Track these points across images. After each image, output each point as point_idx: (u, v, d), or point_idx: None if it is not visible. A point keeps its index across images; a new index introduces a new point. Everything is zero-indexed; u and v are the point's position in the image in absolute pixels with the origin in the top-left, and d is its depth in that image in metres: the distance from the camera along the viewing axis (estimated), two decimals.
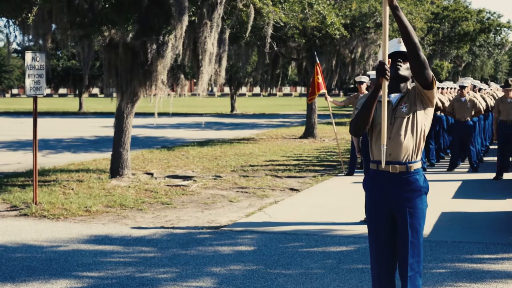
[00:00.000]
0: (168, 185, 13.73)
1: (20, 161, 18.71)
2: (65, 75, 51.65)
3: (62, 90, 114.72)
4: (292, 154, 20.11)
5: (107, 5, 11.64)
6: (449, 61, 40.27)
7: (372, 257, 5.08)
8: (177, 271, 7.51)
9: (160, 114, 46.92)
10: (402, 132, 4.89)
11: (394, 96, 5.02)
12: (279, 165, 17.39)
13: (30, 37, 13.02)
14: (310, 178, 14.84)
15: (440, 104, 16.78)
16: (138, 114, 34.12)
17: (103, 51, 13.06)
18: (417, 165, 4.96)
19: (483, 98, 18.11)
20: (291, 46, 22.35)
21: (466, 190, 13.11)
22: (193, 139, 26.31)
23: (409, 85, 5.07)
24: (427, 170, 16.17)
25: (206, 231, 9.59)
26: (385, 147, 4.78)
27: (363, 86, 13.71)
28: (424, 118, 4.95)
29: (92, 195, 12.40)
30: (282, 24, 14.21)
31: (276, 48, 18.75)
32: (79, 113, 52.56)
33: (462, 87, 16.11)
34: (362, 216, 10.01)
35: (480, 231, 9.44)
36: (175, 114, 49.10)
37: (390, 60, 4.83)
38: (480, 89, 19.59)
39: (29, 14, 10.68)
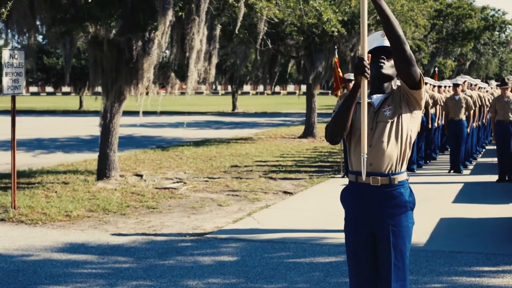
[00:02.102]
0: (156, 188, 13.18)
1: (9, 161, 18.12)
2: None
3: (66, 89, 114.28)
4: (289, 155, 19.54)
5: (90, 0, 11.08)
6: (453, 59, 39.62)
7: (350, 280, 4.47)
8: (150, 284, 6.95)
9: (160, 113, 46.48)
10: (385, 139, 4.27)
11: (377, 97, 4.41)
12: (275, 166, 16.82)
13: (14, 33, 12.47)
14: (306, 180, 14.28)
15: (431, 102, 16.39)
16: (135, 113, 33.72)
17: (88, 48, 12.51)
18: (402, 177, 4.34)
19: (480, 97, 17.58)
20: (289, 43, 21.77)
21: (468, 194, 12.53)
22: (190, 139, 25.77)
23: (394, 84, 4.46)
24: (418, 172, 15.61)
25: (189, 238, 9.03)
26: (365, 156, 4.15)
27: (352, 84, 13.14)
28: (411, 123, 4.34)
29: (76, 198, 11.85)
30: (276, 20, 13.64)
31: (270, 46, 18.18)
32: (79, 112, 52.06)
33: (456, 85, 15.62)
34: None
35: (481, 239, 8.85)
36: (175, 113, 48.67)
37: (370, 55, 4.19)
38: (479, 88, 19.04)
39: (3, 9, 10.13)
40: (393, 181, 4.29)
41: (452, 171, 15.46)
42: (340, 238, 8.89)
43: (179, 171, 15.79)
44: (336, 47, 15.73)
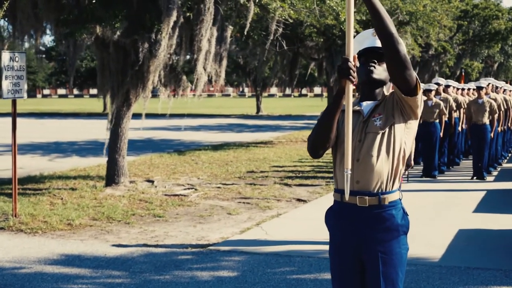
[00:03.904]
0: (165, 195, 12.75)
1: (24, 166, 17.83)
2: (89, 76, 51.03)
3: (93, 91, 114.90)
4: (308, 159, 19.00)
5: (94, 1, 10.67)
6: (480, 61, 38.75)
7: None
8: None
9: (183, 116, 46.18)
10: (374, 153, 3.73)
11: (367, 104, 3.88)
12: (292, 171, 16.32)
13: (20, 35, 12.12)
14: (322, 187, 13.76)
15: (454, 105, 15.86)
16: (158, 116, 33.46)
17: (95, 51, 12.11)
18: (393, 197, 3.79)
19: (506, 100, 16.93)
20: (309, 45, 21.22)
21: (490, 202, 11.94)
22: (210, 142, 25.33)
23: (387, 90, 3.93)
24: (439, 178, 15.02)
25: (190, 250, 8.56)
26: (349, 172, 3.61)
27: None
28: (405, 134, 3.79)
29: (80, 206, 11.46)
30: (291, 21, 13.15)
31: (286, 47, 17.66)
32: (103, 114, 51.92)
33: (480, 88, 15.03)
34: None
35: (500, 254, 8.26)
36: (199, 116, 48.36)
37: (356, 56, 3.64)
38: (505, 90, 18.38)
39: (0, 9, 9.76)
40: (382, 201, 3.75)
41: (475, 177, 14.86)
42: None
43: (193, 177, 15.36)
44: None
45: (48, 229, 9.82)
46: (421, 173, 15.26)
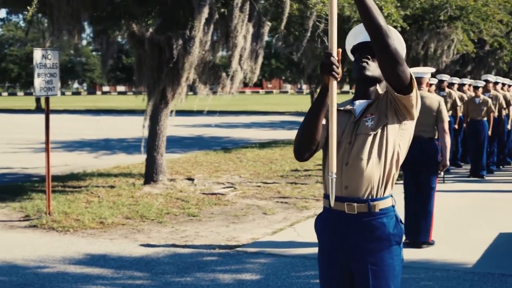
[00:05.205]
0: (203, 193, 12.60)
1: (69, 163, 17.96)
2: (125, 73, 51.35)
3: (120, 88, 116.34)
4: None
5: None
6: None
7: None
8: None
9: (239, 113, 46.14)
10: (365, 156, 3.44)
11: (359, 104, 3.59)
12: None
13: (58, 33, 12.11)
14: None
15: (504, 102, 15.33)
16: (210, 113, 33.52)
17: (133, 48, 12.03)
18: (385, 204, 3.49)
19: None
20: None
21: None
22: (259, 140, 25.16)
23: (382, 88, 3.62)
24: (487, 178, 14.51)
25: (217, 251, 8.37)
26: (333, 176, 3.33)
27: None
28: (399, 136, 3.49)
29: (116, 204, 11.39)
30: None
31: (327, 44, 17.16)
32: None
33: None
34: None
35: None
36: (253, 113, 48.27)
37: (340, 51, 3.33)
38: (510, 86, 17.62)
39: (28, 7, 9.71)
40: (372, 208, 3.45)
41: None
42: None
43: (235, 175, 15.19)
44: None
45: (80, 228, 9.76)
46: (469, 173, 14.78)
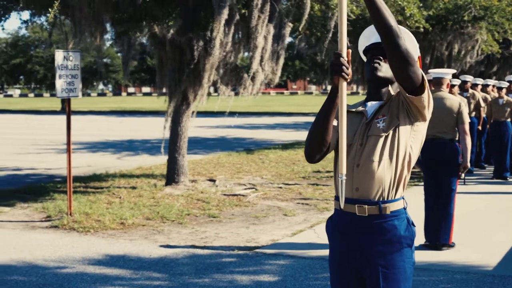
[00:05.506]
0: (224, 195, 12.60)
1: (92, 164, 18.07)
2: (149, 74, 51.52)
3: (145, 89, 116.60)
4: None
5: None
6: None
7: None
8: None
9: (263, 114, 46.13)
10: (376, 158, 3.41)
11: (371, 105, 3.56)
12: None
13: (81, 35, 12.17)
14: None
15: None
16: (232, 114, 33.49)
17: (154, 49, 12.07)
18: (396, 206, 3.45)
19: None
20: None
21: None
22: (282, 141, 25.11)
23: (394, 89, 3.59)
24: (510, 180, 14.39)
25: (236, 253, 8.37)
26: (343, 178, 3.30)
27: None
28: (411, 138, 3.46)
29: (137, 205, 11.43)
30: (353, 17, 12.79)
31: (350, 44, 17.21)
32: None
33: None
34: (422, 239, 8.54)
35: None
36: (277, 114, 48.23)
37: (350, 51, 3.30)
38: None
39: (50, 9, 9.77)
40: (384, 210, 3.41)
41: None
42: None
43: (256, 176, 15.18)
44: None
45: (100, 228, 9.81)
46: (492, 175, 14.65)
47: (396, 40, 3.19)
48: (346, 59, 3.26)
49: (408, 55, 3.22)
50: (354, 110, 3.59)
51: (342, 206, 3.36)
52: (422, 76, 3.31)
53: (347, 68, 3.24)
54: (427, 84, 3.32)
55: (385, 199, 3.43)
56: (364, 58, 3.72)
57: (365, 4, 3.20)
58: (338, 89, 3.29)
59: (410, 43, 3.44)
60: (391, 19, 3.19)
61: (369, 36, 3.62)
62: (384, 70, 3.53)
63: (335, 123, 3.50)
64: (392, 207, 3.43)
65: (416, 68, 3.26)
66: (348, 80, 3.24)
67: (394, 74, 3.33)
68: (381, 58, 3.55)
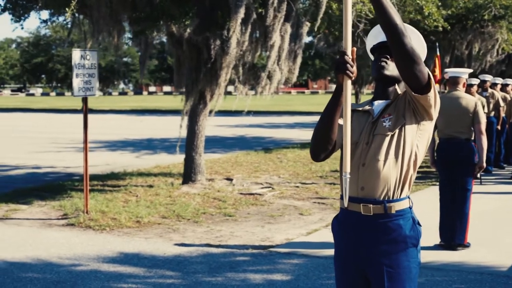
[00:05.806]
0: (241, 193, 12.61)
1: (111, 162, 18.16)
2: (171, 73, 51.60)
3: (166, 88, 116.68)
4: None
5: None
6: None
7: None
8: None
9: (283, 113, 46.09)
10: (381, 157, 3.40)
11: (378, 104, 3.55)
12: None
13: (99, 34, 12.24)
14: None
15: None
16: (255, 113, 33.59)
17: (172, 48, 12.10)
18: (402, 205, 3.43)
19: None
20: None
21: None
22: (301, 140, 25.08)
23: (400, 88, 3.58)
24: None
25: (250, 252, 8.37)
26: (347, 176, 3.29)
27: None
28: (418, 137, 3.44)
29: (153, 203, 11.47)
30: (371, 16, 12.74)
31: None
32: None
33: None
34: (437, 239, 8.50)
35: None
36: (296, 113, 48.20)
37: (354, 49, 3.26)
38: None
39: (67, 9, 9.82)
40: (389, 210, 3.40)
41: None
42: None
43: (274, 175, 15.17)
44: (437, 44, 14.72)
45: (116, 227, 9.85)
46: (511, 175, 14.54)
47: (401, 38, 3.18)
48: (351, 57, 3.25)
49: (414, 54, 3.21)
50: (360, 109, 3.59)
51: (346, 204, 3.36)
52: (429, 75, 3.30)
53: (352, 66, 3.23)
54: (433, 82, 3.31)
55: (391, 198, 3.42)
56: (372, 57, 3.71)
57: (371, 3, 3.19)
58: (343, 87, 3.27)
59: (416, 42, 3.42)
60: (396, 18, 3.17)
61: (377, 35, 3.61)
62: (391, 68, 3.53)
63: (341, 121, 3.49)
64: (397, 206, 3.42)
65: (422, 67, 3.25)
66: (353, 78, 3.23)
67: (400, 73, 3.32)
68: (388, 56, 3.55)
